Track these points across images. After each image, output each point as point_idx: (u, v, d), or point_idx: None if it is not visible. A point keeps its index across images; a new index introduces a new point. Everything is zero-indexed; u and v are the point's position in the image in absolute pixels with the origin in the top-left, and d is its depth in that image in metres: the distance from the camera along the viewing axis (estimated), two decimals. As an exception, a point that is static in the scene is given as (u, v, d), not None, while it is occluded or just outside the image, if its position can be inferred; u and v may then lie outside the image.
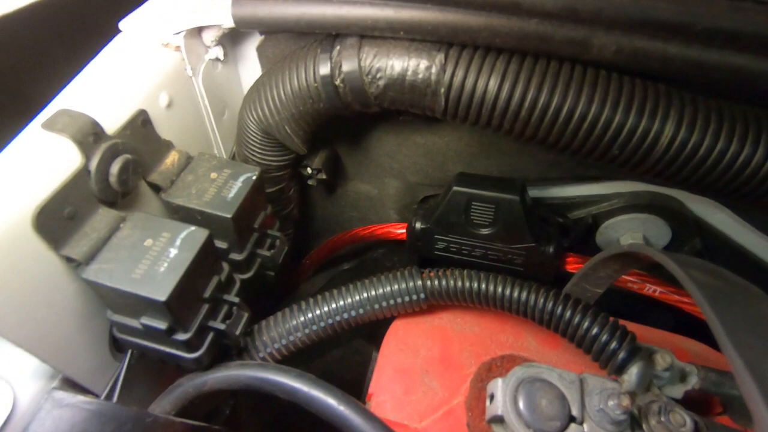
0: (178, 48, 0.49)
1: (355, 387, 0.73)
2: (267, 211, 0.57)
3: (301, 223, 0.86)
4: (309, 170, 0.65)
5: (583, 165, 0.57)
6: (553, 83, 0.38)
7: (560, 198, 0.63)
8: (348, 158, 0.68)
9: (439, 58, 0.41)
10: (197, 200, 0.47)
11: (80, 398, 0.39)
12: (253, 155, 0.58)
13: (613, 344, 0.44)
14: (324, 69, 0.45)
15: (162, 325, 0.42)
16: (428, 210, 0.65)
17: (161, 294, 0.38)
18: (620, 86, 0.39)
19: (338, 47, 0.44)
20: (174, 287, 0.39)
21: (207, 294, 0.45)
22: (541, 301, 0.49)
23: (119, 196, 0.42)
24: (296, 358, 0.55)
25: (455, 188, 0.58)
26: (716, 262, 0.61)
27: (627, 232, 0.62)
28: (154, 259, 0.40)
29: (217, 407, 0.57)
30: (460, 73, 0.40)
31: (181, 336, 0.43)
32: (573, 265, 0.60)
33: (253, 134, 0.55)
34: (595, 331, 0.46)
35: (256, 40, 0.56)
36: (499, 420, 0.43)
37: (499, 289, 0.52)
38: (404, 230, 0.68)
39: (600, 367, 0.46)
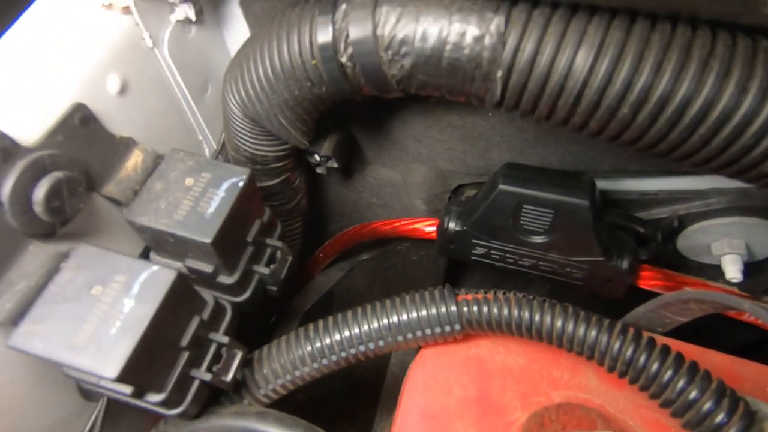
0: (127, 9, 0.35)
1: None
2: (264, 217, 0.46)
3: (311, 211, 0.75)
4: (317, 158, 0.53)
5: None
6: (681, 61, 0.24)
7: (636, 192, 0.49)
8: (365, 140, 0.55)
9: (497, 22, 0.26)
10: (167, 219, 0.36)
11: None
12: (244, 145, 0.46)
13: (720, 417, 0.33)
14: (323, 37, 0.31)
15: (127, 389, 0.33)
16: (465, 206, 0.52)
17: (112, 370, 0.29)
18: None
19: (344, 4, 0.30)
20: (128, 359, 0.29)
21: (184, 343, 0.35)
22: (618, 345, 0.38)
23: (52, 228, 0.31)
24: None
25: (502, 187, 0.45)
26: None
27: (723, 237, 0.48)
28: (104, 316, 0.30)
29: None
30: (529, 46, 0.26)
31: (155, 397, 0.34)
32: (647, 281, 0.48)
33: (241, 121, 0.42)
34: (693, 395, 0.34)
35: (238, -10, 0.42)
36: None
37: (559, 324, 0.40)
38: (434, 228, 0.56)
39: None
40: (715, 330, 0.56)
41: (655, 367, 0.36)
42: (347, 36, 0.30)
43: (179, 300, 0.33)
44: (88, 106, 0.33)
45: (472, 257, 0.53)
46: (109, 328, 0.30)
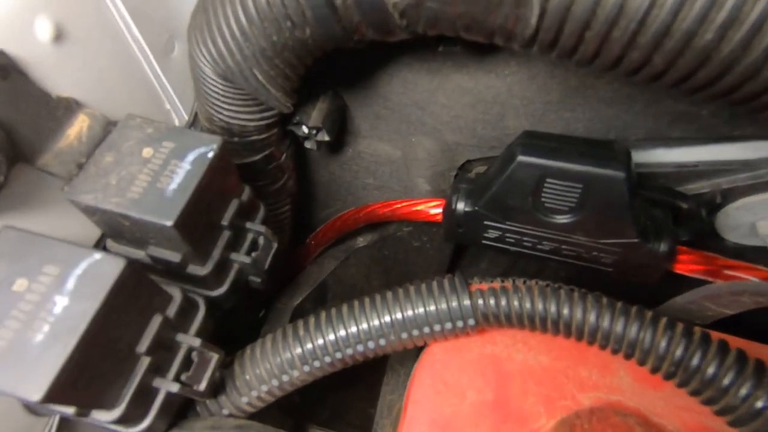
0: (57, -67, 0.28)
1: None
2: (243, 196, 0.39)
3: (300, 193, 0.69)
4: (305, 130, 0.46)
5: (735, 119, 0.36)
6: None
7: (672, 164, 0.43)
8: (359, 109, 0.48)
9: None
10: (118, 197, 0.30)
11: None
12: (219, 113, 0.39)
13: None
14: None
15: (69, 409, 0.26)
16: (475, 183, 0.46)
17: (35, 391, 0.22)
18: None
19: None
20: (57, 376, 0.22)
21: (142, 348, 0.29)
22: (665, 343, 0.32)
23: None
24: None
25: (521, 158, 0.38)
26: None
27: (772, 215, 0.42)
28: (29, 318, 0.24)
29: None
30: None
31: (107, 415, 0.28)
32: (686, 265, 0.42)
33: (212, 83, 0.35)
34: (761, 403, 0.28)
35: None
36: None
37: (593, 318, 0.34)
38: (440, 210, 0.50)
39: None
40: (755, 319, 0.50)
41: (712, 368, 0.30)
42: (336, -48, 0.23)
43: (131, 296, 0.27)
44: (7, 55, 0.26)
45: (484, 242, 0.47)
46: (34, 335, 0.23)
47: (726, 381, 0.29)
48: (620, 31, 0.20)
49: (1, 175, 0.25)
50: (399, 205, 0.52)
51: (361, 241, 0.68)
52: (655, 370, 0.33)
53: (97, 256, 0.25)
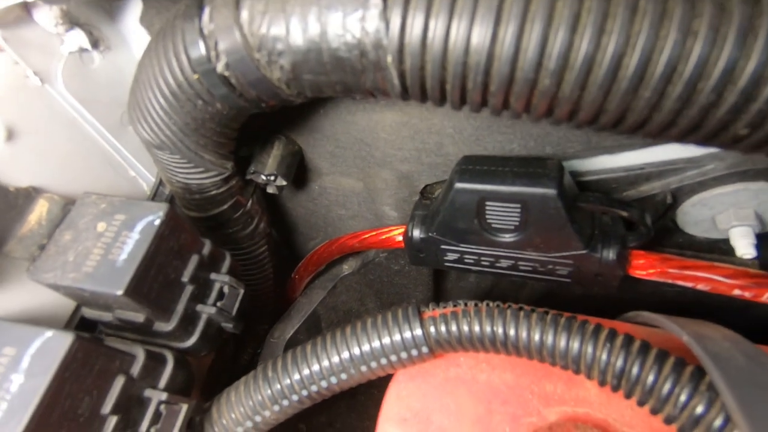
0: (-3, 49, 0.32)
1: None
2: (204, 250, 0.42)
3: (284, 228, 0.71)
4: (263, 177, 0.48)
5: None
6: (601, 15, 0.18)
7: (620, 169, 0.43)
8: (314, 150, 0.51)
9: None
10: (74, 273, 0.33)
11: None
12: (175, 176, 0.42)
13: (719, 421, 0.27)
14: (195, 51, 0.27)
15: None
16: (428, 209, 0.47)
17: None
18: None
19: (207, 8, 0.26)
20: (13, 447, 0.25)
21: (106, 410, 0.31)
22: (607, 357, 0.32)
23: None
24: None
25: (457, 185, 0.39)
26: None
27: (728, 208, 0.42)
28: (-11, 397, 0.27)
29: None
30: (418, 21, 0.20)
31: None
32: (642, 269, 0.42)
33: (158, 152, 0.38)
34: (699, 410, 0.28)
35: (136, 7, 0.38)
36: None
37: (537, 337, 0.35)
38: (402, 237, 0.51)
39: None
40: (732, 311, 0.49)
41: (651, 378, 0.30)
42: (216, 43, 0.26)
43: (85, 365, 0.29)
44: (-38, 161, 0.30)
45: (446, 264, 0.48)
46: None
47: (664, 390, 0.29)
48: (472, 83, 0.22)
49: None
50: (366, 236, 0.54)
51: (347, 268, 0.70)
52: (602, 383, 0.33)
53: (49, 333, 0.28)
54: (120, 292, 0.32)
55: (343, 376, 0.39)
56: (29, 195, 0.34)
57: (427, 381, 0.41)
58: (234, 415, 0.40)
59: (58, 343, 0.28)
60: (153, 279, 0.35)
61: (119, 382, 0.32)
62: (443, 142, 0.42)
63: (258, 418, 0.40)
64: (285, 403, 0.40)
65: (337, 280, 0.71)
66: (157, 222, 0.35)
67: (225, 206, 0.48)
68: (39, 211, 0.34)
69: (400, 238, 0.52)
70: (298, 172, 0.54)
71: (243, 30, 0.24)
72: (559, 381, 0.39)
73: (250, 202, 0.51)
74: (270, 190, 0.51)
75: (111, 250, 0.34)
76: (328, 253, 0.58)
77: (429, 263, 0.48)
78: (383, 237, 0.53)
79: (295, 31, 0.23)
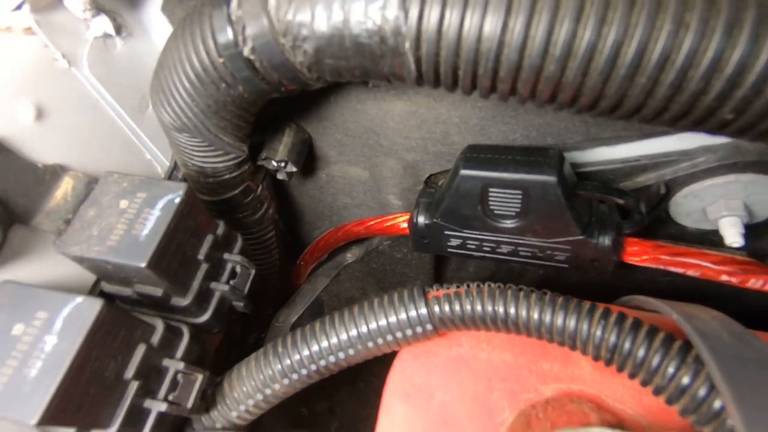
0: (30, 30, 0.34)
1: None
2: (218, 231, 0.43)
3: (290, 216, 0.73)
4: (273, 163, 0.50)
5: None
6: (604, 5, 0.20)
7: (617, 161, 0.45)
8: (322, 139, 0.52)
9: (398, -13, 0.23)
10: (99, 246, 0.34)
11: None
12: (190, 159, 0.44)
13: (717, 403, 0.29)
14: (223, 35, 0.28)
15: (69, 430, 0.31)
16: (432, 197, 0.49)
17: (32, 416, 0.27)
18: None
19: (237, -6, 0.28)
20: (49, 403, 0.27)
21: (129, 375, 0.33)
22: (601, 333, 0.34)
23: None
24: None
25: (463, 172, 0.41)
26: None
27: (718, 199, 0.44)
28: (24, 357, 0.28)
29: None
30: (433, 12, 0.22)
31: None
32: (636, 255, 0.44)
33: (176, 135, 0.40)
34: (685, 380, 0.30)
35: (159, -4, 0.40)
36: None
37: (536, 315, 0.37)
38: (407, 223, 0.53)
39: (681, 416, 0.32)
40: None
41: (641, 352, 0.32)
42: (244, 28, 0.27)
43: (111, 331, 0.31)
44: (-3, 135, 0.31)
45: (449, 250, 0.50)
46: (29, 370, 0.28)
47: (654, 363, 0.32)
48: (483, 69, 0.24)
49: (-2, 239, 0.31)
50: (372, 222, 0.56)
51: (350, 256, 0.72)
52: (596, 358, 0.35)
53: (79, 299, 0.30)
54: (143, 264, 0.34)
55: (351, 351, 0.41)
56: (56, 172, 0.36)
57: (430, 359, 0.43)
58: (245, 388, 0.42)
59: (88, 308, 0.30)
60: (172, 254, 0.37)
61: (141, 350, 0.34)
62: (449, 132, 0.44)
63: (268, 391, 0.42)
64: (294, 377, 0.41)
65: (340, 267, 0.73)
66: (177, 200, 0.37)
67: (236, 191, 0.50)
68: (65, 188, 0.36)
69: (404, 225, 0.54)
70: (307, 161, 0.56)
71: (270, 16, 0.26)
72: (556, 360, 0.42)
73: (260, 188, 0.53)
74: (280, 176, 0.53)
75: (134, 226, 0.35)
76: (334, 239, 0.60)
77: (432, 249, 0.50)
78: (388, 224, 0.55)
79: (320, 18, 0.25)
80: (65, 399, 0.28)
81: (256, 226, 0.56)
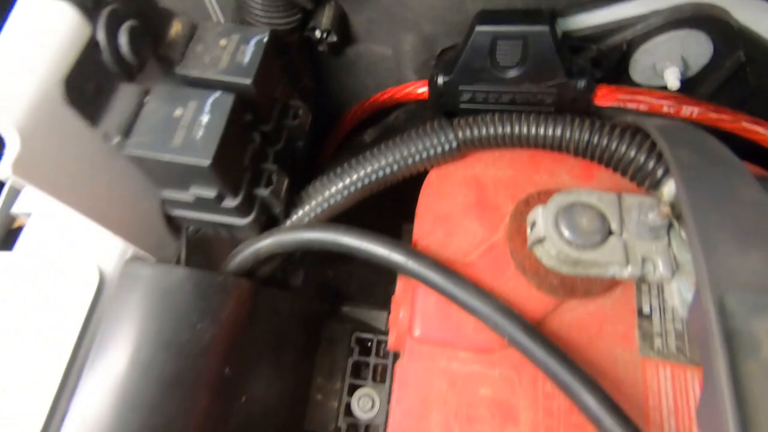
0: None
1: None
2: (284, 80, 0.54)
3: (316, 98, 0.84)
4: (317, 34, 0.61)
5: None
6: None
7: (592, 27, 0.58)
8: (356, 14, 0.63)
9: None
10: (213, 69, 0.45)
11: (158, 264, 0.42)
12: (256, 18, 0.54)
13: (651, 163, 0.45)
14: None
15: (211, 193, 0.43)
16: (449, 61, 0.61)
17: (205, 158, 0.39)
18: None
19: None
20: (216, 150, 0.39)
21: (246, 161, 0.45)
22: (577, 133, 0.49)
23: (135, 70, 0.40)
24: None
25: (478, 28, 0.54)
26: (760, 75, 0.59)
27: (663, 53, 0.58)
28: (189, 127, 0.40)
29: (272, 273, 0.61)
30: None
31: (231, 202, 0.45)
32: (604, 98, 0.58)
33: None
34: (632, 153, 0.46)
35: None
36: (540, 241, 0.45)
37: (533, 130, 0.51)
38: (425, 88, 0.66)
39: (638, 186, 0.47)
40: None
41: (605, 141, 0.47)
42: None
43: (238, 119, 0.43)
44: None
45: (461, 105, 0.63)
46: (195, 134, 0.39)
47: (612, 147, 0.46)
48: None
49: (146, 56, 0.41)
50: (394, 91, 0.68)
51: (368, 138, 0.85)
52: (576, 153, 0.50)
53: (217, 92, 0.41)
54: (249, 81, 0.45)
55: (395, 167, 0.54)
56: (169, 14, 0.46)
57: (452, 176, 0.57)
58: (312, 202, 0.55)
59: (225, 98, 0.41)
60: (263, 83, 0.48)
61: (251, 148, 0.46)
62: (465, 1, 0.56)
63: (332, 201, 0.55)
64: (352, 189, 0.55)
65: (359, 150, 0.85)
66: (265, 40, 0.47)
67: (283, 59, 0.60)
68: (176, 28, 0.46)
69: (420, 90, 0.66)
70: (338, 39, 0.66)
71: None
72: (545, 173, 0.56)
73: (300, 59, 0.64)
74: (321, 48, 0.63)
75: (235, 57, 0.46)
76: (362, 111, 0.72)
77: (447, 105, 0.63)
78: (406, 90, 0.67)
79: None
80: (223, 155, 0.40)
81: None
